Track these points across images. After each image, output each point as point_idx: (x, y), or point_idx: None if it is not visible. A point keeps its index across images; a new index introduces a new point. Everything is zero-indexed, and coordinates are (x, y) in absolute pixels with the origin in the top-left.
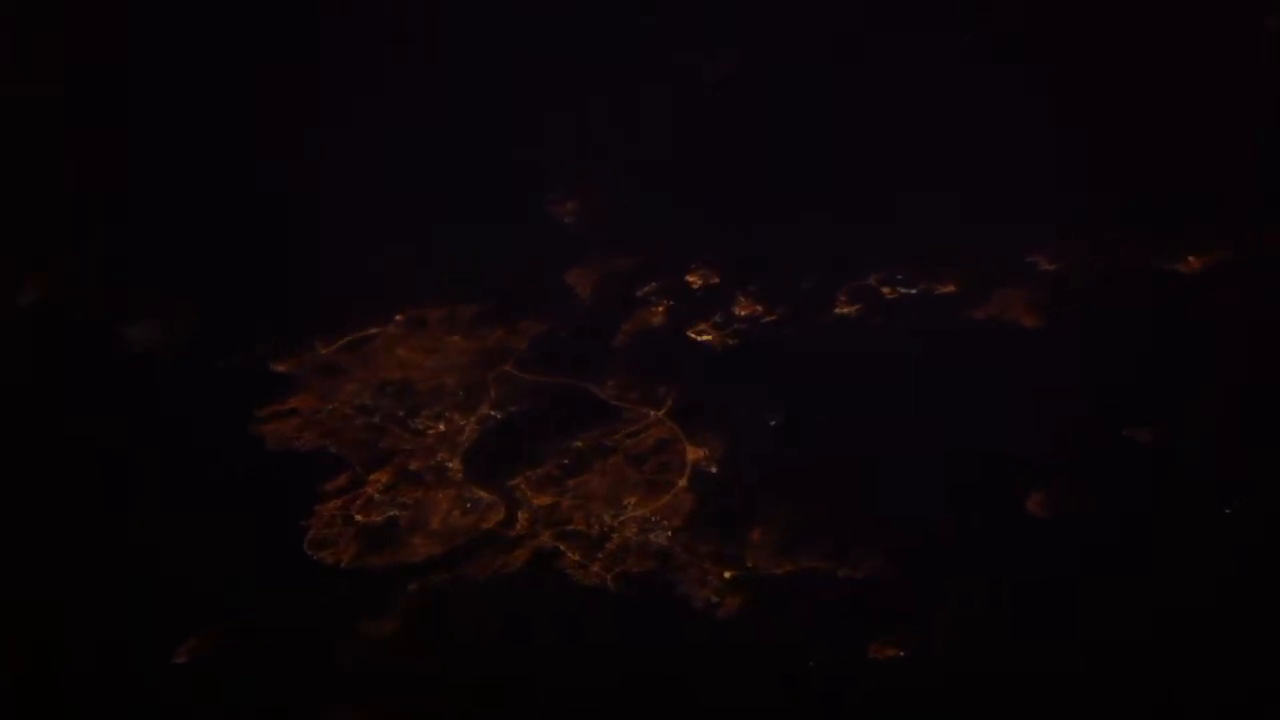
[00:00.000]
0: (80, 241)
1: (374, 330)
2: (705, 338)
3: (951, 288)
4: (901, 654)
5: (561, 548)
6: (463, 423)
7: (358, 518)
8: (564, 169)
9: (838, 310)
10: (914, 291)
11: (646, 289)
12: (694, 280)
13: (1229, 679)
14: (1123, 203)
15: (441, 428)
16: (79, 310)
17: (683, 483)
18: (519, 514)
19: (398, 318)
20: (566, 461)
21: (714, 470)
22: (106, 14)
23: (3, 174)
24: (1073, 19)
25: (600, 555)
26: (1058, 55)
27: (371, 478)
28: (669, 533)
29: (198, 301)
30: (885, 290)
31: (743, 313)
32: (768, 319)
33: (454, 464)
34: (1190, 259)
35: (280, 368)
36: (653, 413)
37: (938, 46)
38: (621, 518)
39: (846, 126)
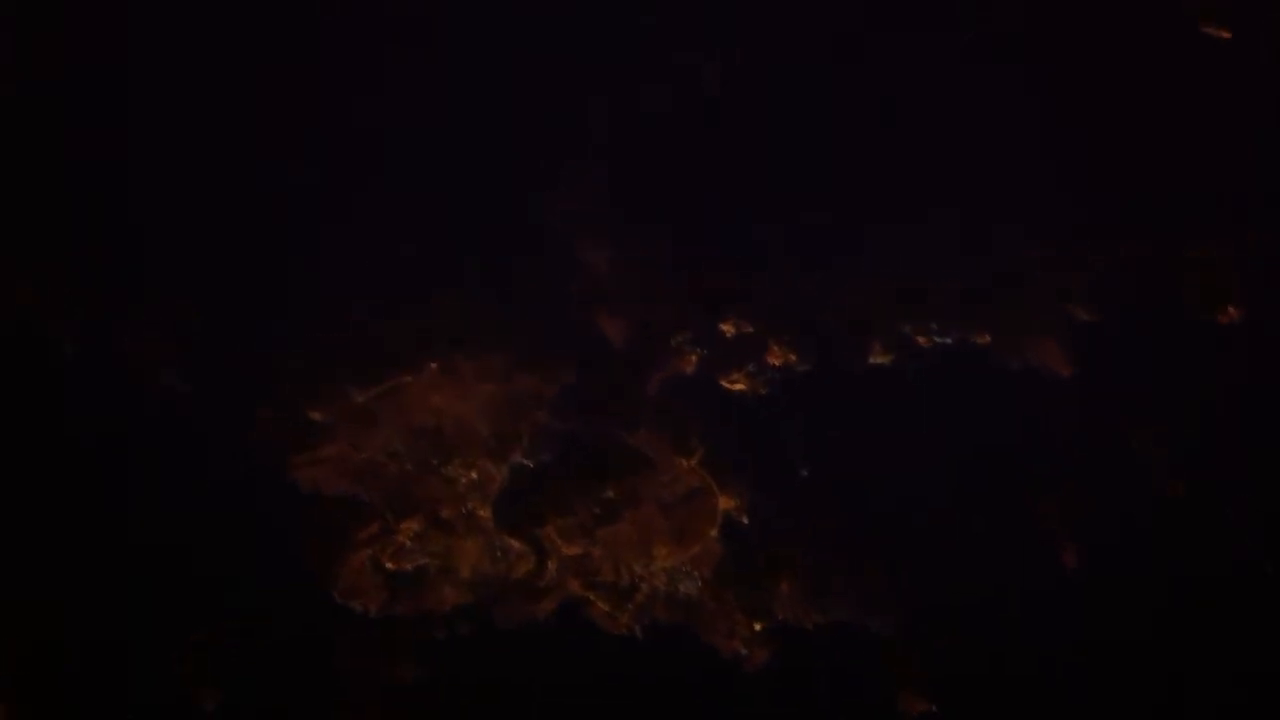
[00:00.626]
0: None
1: (408, 378)
2: (738, 386)
3: (986, 338)
4: (933, 709)
5: (591, 597)
6: (494, 470)
7: (388, 565)
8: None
9: (872, 359)
10: (949, 341)
11: (680, 338)
12: (727, 329)
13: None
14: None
15: (473, 475)
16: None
17: (713, 532)
18: (548, 563)
19: (432, 365)
20: (597, 510)
21: (745, 520)
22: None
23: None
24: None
25: (629, 605)
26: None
27: (402, 525)
28: (699, 583)
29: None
30: (920, 339)
31: (776, 362)
32: (802, 368)
33: (484, 512)
34: (1230, 309)
35: (315, 415)
36: (684, 461)
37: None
38: (651, 567)
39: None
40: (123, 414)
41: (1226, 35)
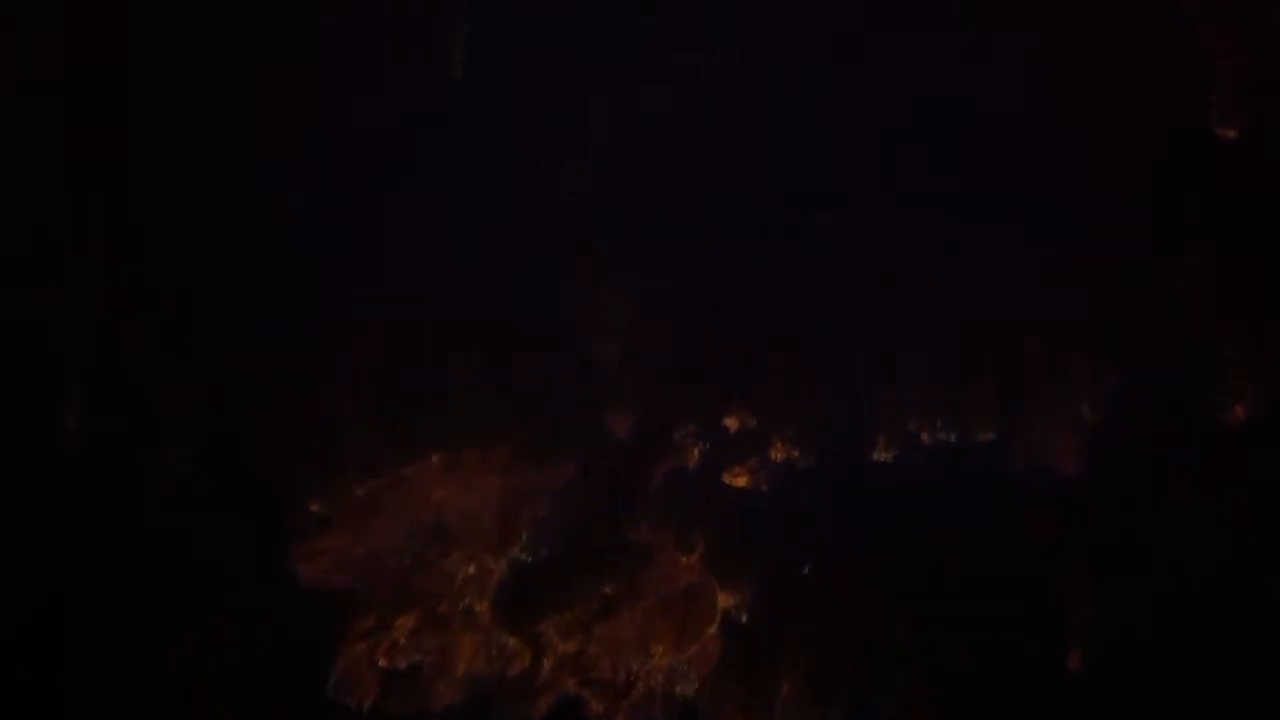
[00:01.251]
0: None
1: (410, 470)
2: (740, 481)
3: (990, 434)
4: None
5: (585, 695)
6: (493, 564)
7: (381, 662)
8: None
9: (875, 456)
10: (952, 438)
11: (683, 431)
12: (731, 423)
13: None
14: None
15: (471, 569)
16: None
17: (712, 630)
18: (544, 660)
19: (434, 459)
20: (595, 606)
21: (745, 619)
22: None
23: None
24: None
25: (624, 705)
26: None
27: (398, 621)
28: (696, 683)
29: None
30: (923, 435)
31: (779, 457)
32: (805, 464)
33: (482, 607)
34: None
35: (315, 507)
36: (684, 558)
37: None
38: (649, 665)
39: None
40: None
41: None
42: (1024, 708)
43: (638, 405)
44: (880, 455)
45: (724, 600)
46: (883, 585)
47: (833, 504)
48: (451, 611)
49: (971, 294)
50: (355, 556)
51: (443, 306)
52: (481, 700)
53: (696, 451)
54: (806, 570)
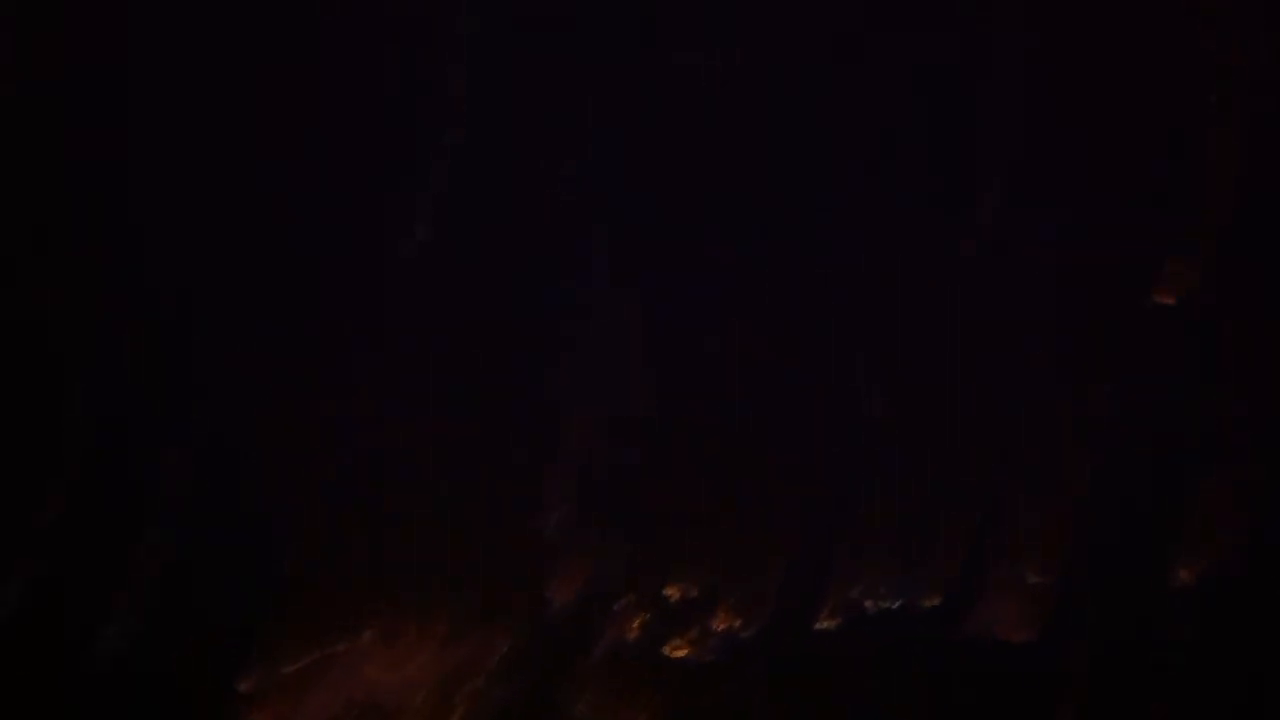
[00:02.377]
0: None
1: (342, 646)
2: (680, 653)
3: (936, 600)
4: None
5: None
6: None
7: None
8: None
9: (819, 625)
10: (895, 606)
11: (623, 602)
12: (672, 593)
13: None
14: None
15: None
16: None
17: None
18: None
19: (367, 633)
20: None
21: None
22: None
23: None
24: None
25: None
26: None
27: None
28: None
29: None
30: (868, 604)
31: (720, 627)
32: (746, 633)
33: None
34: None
35: (243, 686)
36: None
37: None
38: None
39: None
40: None
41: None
42: None
43: (580, 574)
44: (824, 624)
45: None
46: None
47: (776, 673)
48: None
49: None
50: None
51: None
52: None
53: (638, 622)
54: None
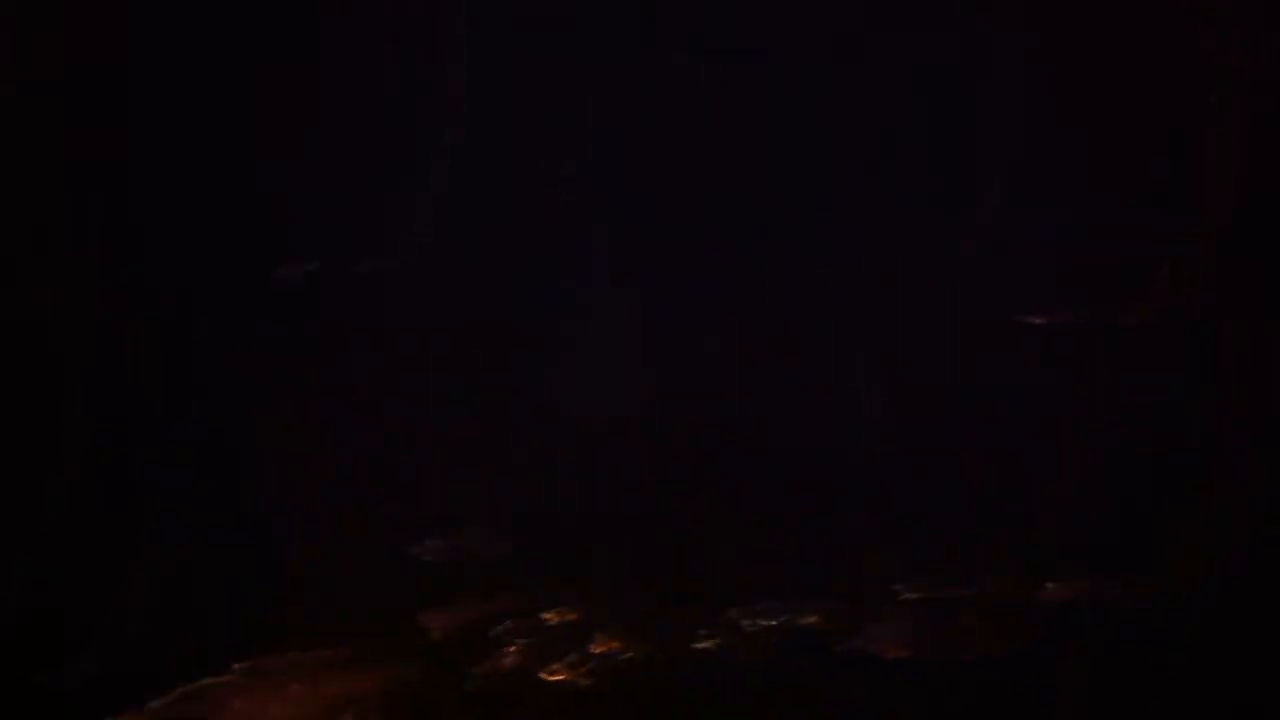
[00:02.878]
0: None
1: (209, 680)
2: (558, 677)
3: (815, 619)
4: None
5: None
6: None
7: None
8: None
9: (696, 645)
10: (774, 623)
11: (500, 628)
12: (550, 617)
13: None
14: None
15: None
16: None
17: None
18: None
19: (235, 666)
20: None
21: None
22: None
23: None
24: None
25: None
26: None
27: None
28: None
29: None
30: (745, 624)
31: (599, 650)
32: (624, 655)
33: None
34: None
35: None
36: None
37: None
38: None
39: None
40: None
41: None
42: None
43: (454, 602)
44: (701, 645)
45: None
46: None
47: (654, 695)
48: None
49: None
50: None
51: None
52: None
53: (514, 649)
54: None
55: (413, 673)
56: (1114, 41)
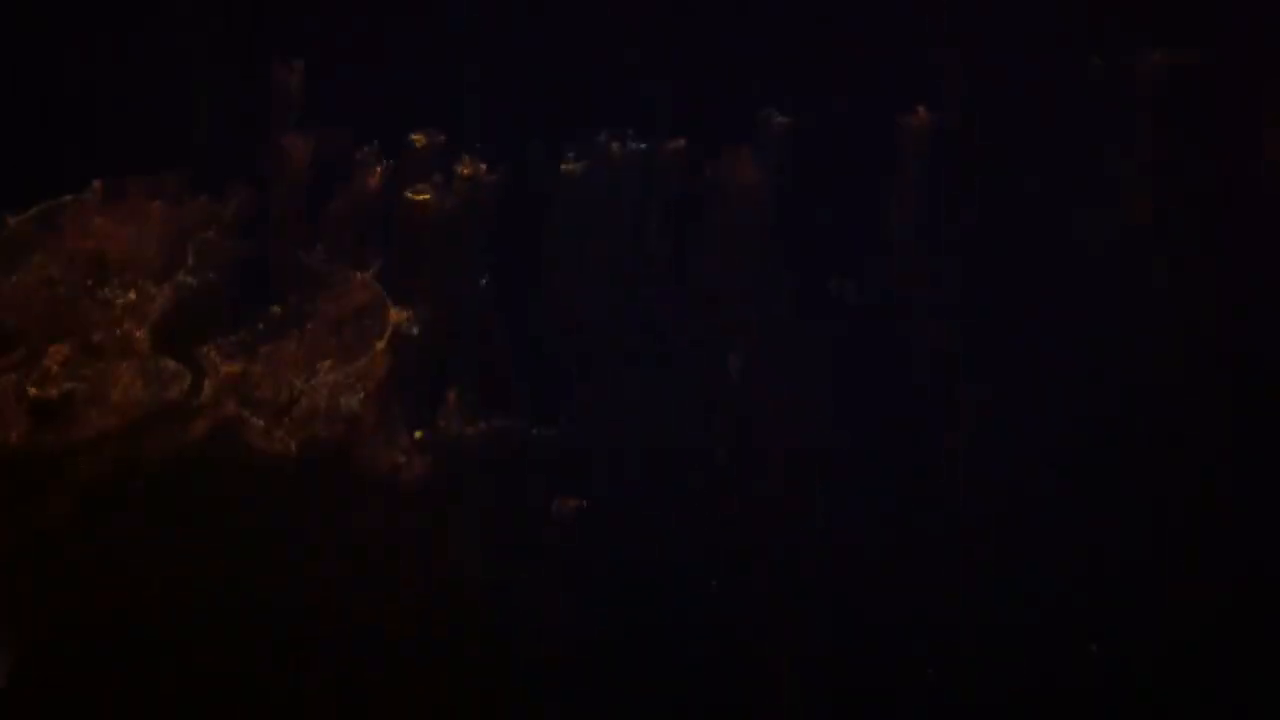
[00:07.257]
0: None
1: (67, 198)
2: (422, 197)
3: (681, 141)
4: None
5: (246, 414)
6: (154, 291)
7: (31, 391)
8: None
9: (564, 167)
10: (643, 146)
11: (366, 150)
12: (418, 139)
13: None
14: None
15: (131, 296)
16: None
17: (381, 345)
18: (205, 382)
19: (96, 184)
20: (261, 327)
21: (415, 332)
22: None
23: None
24: None
25: (286, 421)
26: None
27: (50, 350)
28: (362, 395)
29: None
30: (614, 144)
31: (466, 172)
32: (491, 178)
33: (141, 333)
34: None
35: None
36: (359, 275)
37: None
38: (313, 382)
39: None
40: None
41: None
42: None
43: (317, 125)
44: (569, 167)
45: (395, 316)
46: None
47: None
48: (108, 339)
49: None
50: (5, 290)
51: None
52: (137, 426)
53: (379, 170)
54: (483, 282)
55: (278, 193)
56: None
